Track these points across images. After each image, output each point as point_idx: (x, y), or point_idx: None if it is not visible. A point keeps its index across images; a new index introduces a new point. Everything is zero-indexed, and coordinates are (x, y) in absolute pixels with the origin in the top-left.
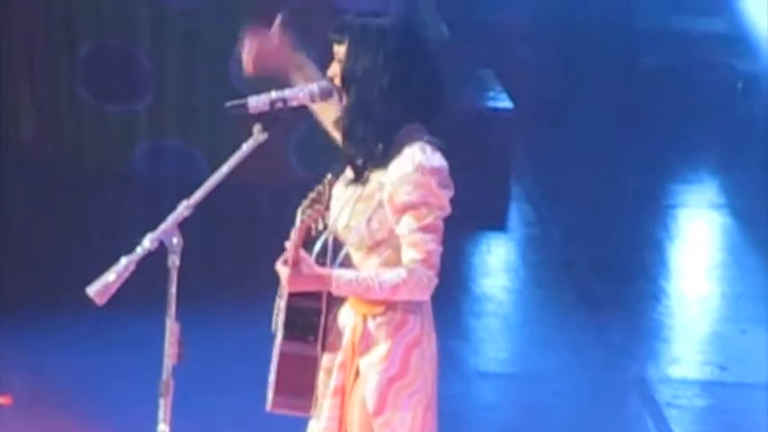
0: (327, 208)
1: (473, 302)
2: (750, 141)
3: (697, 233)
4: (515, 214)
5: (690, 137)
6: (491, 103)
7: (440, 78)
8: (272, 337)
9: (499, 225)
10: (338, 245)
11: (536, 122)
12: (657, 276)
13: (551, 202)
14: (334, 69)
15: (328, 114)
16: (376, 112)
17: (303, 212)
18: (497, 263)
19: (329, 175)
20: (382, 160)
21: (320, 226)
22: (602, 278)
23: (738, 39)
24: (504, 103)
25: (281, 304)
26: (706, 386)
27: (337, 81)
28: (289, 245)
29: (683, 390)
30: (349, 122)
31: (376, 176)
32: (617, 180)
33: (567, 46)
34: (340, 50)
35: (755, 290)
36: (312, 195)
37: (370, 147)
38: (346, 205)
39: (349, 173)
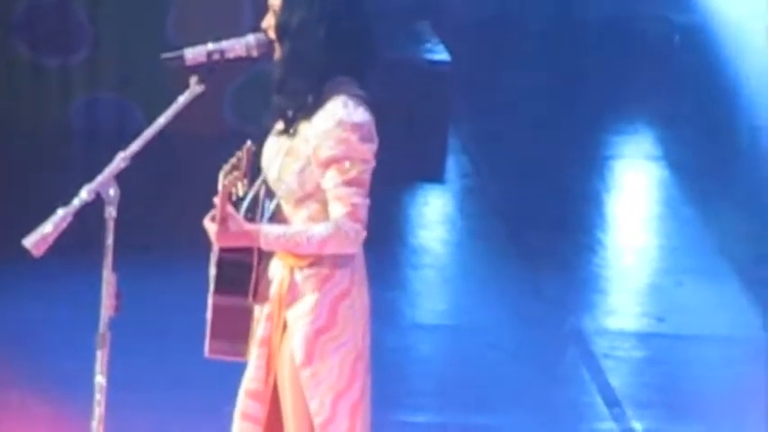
0: (246, 174)
1: (410, 254)
2: (687, 94)
3: (634, 185)
4: (453, 166)
5: (627, 89)
6: (428, 56)
7: (372, 32)
8: (206, 286)
9: (436, 177)
10: (269, 196)
11: (473, 75)
12: (594, 228)
13: (488, 154)
14: (269, 20)
15: None
16: (309, 64)
17: (225, 177)
18: (435, 214)
19: (248, 142)
20: (310, 112)
21: (240, 192)
22: (539, 230)
23: None
24: (442, 55)
25: (215, 257)
26: (643, 338)
27: (271, 33)
28: (216, 201)
29: (620, 341)
30: (282, 74)
31: (303, 129)
32: (554, 132)
33: None
34: (275, 2)
35: (692, 242)
36: (232, 161)
37: (300, 98)
38: (276, 157)
39: (280, 124)
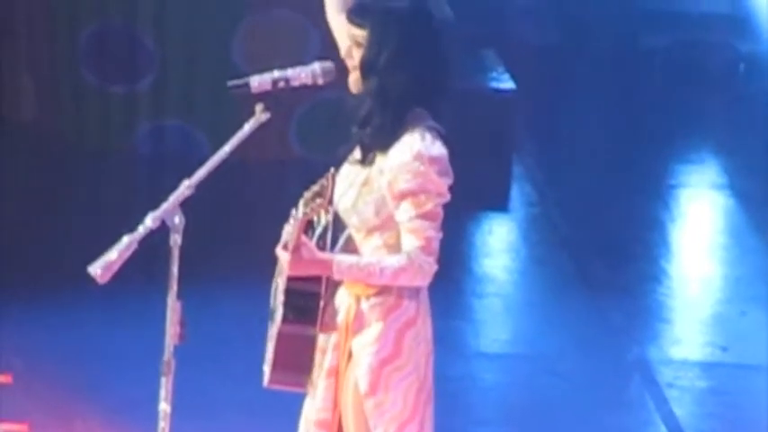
0: (330, 202)
1: (475, 283)
2: (752, 122)
3: (698, 214)
4: (517, 194)
5: (692, 117)
6: (493, 84)
7: (449, 64)
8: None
9: (501, 205)
10: (339, 226)
11: (538, 103)
12: (659, 257)
13: (553, 183)
14: (349, 51)
15: None
16: (394, 98)
17: (305, 205)
18: (499, 243)
19: (332, 169)
20: (388, 144)
21: (322, 220)
22: (604, 258)
23: (740, 19)
24: (507, 83)
25: (279, 285)
26: (707, 367)
27: (350, 63)
28: (287, 228)
29: (684, 371)
30: (368, 110)
31: (380, 160)
32: (619, 160)
33: (569, 26)
34: (358, 34)
35: (756, 271)
36: (315, 188)
37: (385, 133)
38: (351, 187)
39: (356, 154)
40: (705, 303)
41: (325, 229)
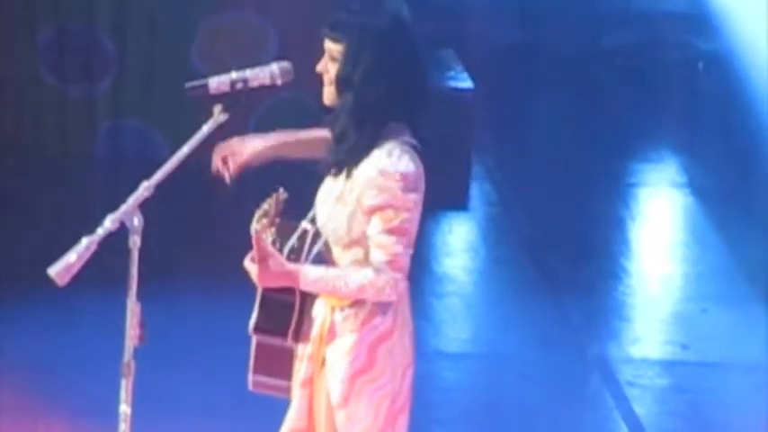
0: (273, 223)
1: (434, 282)
2: (711, 120)
3: (658, 212)
4: (477, 194)
5: (651, 116)
6: (452, 83)
7: (427, 79)
8: (237, 315)
9: (461, 204)
10: (317, 238)
11: (497, 102)
12: (619, 255)
13: (513, 182)
14: (325, 65)
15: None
16: (370, 114)
17: (257, 221)
18: (459, 242)
19: (280, 190)
20: (361, 158)
21: (269, 239)
22: (564, 257)
23: (699, 18)
24: (465, 82)
25: (259, 294)
26: (667, 365)
27: (327, 78)
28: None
29: (644, 369)
30: (343, 125)
31: (351, 175)
32: (578, 159)
33: (528, 26)
34: (333, 48)
35: (716, 269)
36: (264, 207)
37: (359, 147)
38: (325, 203)
39: (333, 169)
40: (665, 301)
41: (301, 242)
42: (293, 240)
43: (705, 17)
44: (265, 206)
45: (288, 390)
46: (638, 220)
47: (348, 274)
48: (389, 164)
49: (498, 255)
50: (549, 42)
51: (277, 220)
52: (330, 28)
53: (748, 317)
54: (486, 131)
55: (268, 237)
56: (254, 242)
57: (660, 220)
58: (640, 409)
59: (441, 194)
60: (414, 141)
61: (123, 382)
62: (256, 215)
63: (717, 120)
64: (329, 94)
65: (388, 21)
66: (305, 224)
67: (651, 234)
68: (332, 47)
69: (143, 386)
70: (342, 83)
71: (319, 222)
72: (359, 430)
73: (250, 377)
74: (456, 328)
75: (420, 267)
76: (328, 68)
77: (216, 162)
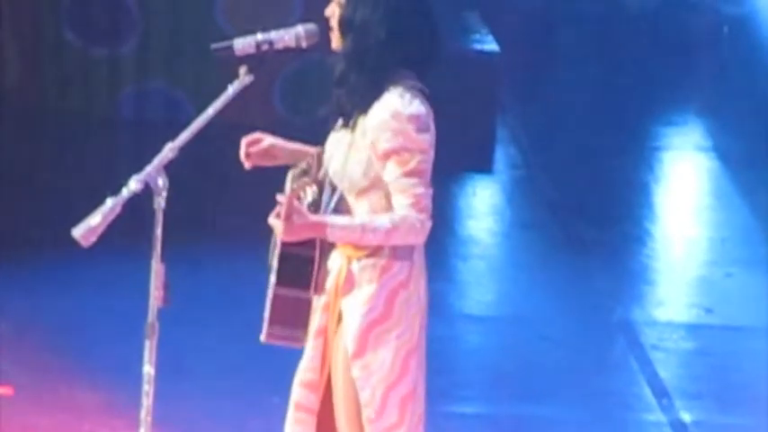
0: (315, 181)
1: (459, 245)
2: (736, 84)
3: (683, 176)
4: (501, 157)
5: (676, 80)
6: (477, 46)
7: (436, 31)
8: (259, 276)
9: (485, 167)
10: (331, 190)
11: (522, 65)
12: (643, 219)
13: (537, 145)
14: (332, 9)
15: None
16: (371, 59)
17: (293, 180)
18: (483, 205)
19: (318, 148)
20: (368, 105)
21: (309, 197)
22: (588, 221)
23: None
24: (491, 45)
25: (277, 250)
26: (692, 329)
27: (333, 22)
28: (281, 199)
29: (668, 332)
30: (344, 69)
31: (361, 121)
32: (603, 123)
33: None
34: None
35: (741, 233)
36: (302, 166)
37: (361, 93)
38: (337, 151)
39: (341, 120)
40: (690, 265)
41: (318, 194)
42: (310, 195)
43: None
44: (304, 165)
45: (303, 339)
46: (663, 184)
47: (374, 221)
48: (401, 106)
49: (523, 218)
50: (575, 5)
51: (319, 177)
52: None
53: None
54: (511, 94)
55: (308, 195)
56: (285, 199)
57: (685, 184)
58: (664, 372)
59: (465, 157)
60: (421, 86)
61: (147, 343)
62: (291, 173)
63: (742, 84)
64: (335, 39)
65: None
66: (320, 178)
67: (676, 198)
68: None
69: (167, 347)
70: (344, 26)
71: (332, 172)
72: (375, 380)
73: (265, 328)
74: (480, 290)
75: (444, 230)
76: (335, 12)
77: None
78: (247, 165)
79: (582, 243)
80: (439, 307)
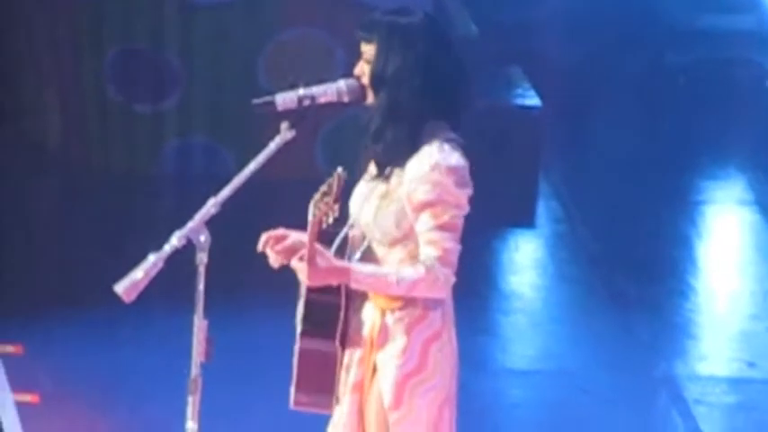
0: (337, 200)
1: (501, 299)
2: None
3: (725, 230)
4: (544, 211)
5: (717, 134)
6: (519, 101)
7: (466, 76)
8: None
9: (527, 222)
10: (358, 240)
11: (564, 120)
12: (685, 273)
13: (579, 200)
14: (362, 68)
15: None
16: (406, 112)
17: (315, 206)
18: (525, 260)
19: (339, 168)
20: (406, 157)
21: (330, 219)
22: (630, 275)
23: (766, 36)
24: (533, 100)
25: (303, 298)
26: (734, 383)
27: (364, 80)
28: (304, 241)
29: (711, 387)
30: (379, 123)
31: (397, 172)
32: (645, 177)
33: (595, 43)
34: (368, 50)
35: None
36: (323, 188)
37: (398, 147)
38: (367, 202)
39: (372, 169)
40: (732, 319)
41: (344, 243)
42: (337, 242)
43: None
44: (324, 188)
45: (330, 404)
46: (705, 238)
47: (399, 271)
48: (441, 158)
49: (565, 272)
50: (615, 59)
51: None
52: (361, 29)
53: None
54: (554, 149)
55: (330, 217)
56: (308, 233)
57: (727, 238)
58: (707, 426)
59: (508, 212)
60: (458, 138)
61: (190, 399)
62: (314, 198)
63: None
64: (369, 95)
65: (417, 18)
66: (346, 229)
67: (718, 252)
68: (365, 48)
69: (209, 403)
70: (375, 82)
71: (363, 223)
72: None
73: (293, 394)
74: (523, 345)
75: (487, 284)
76: (364, 71)
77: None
78: (275, 263)
79: (624, 297)
80: (481, 361)
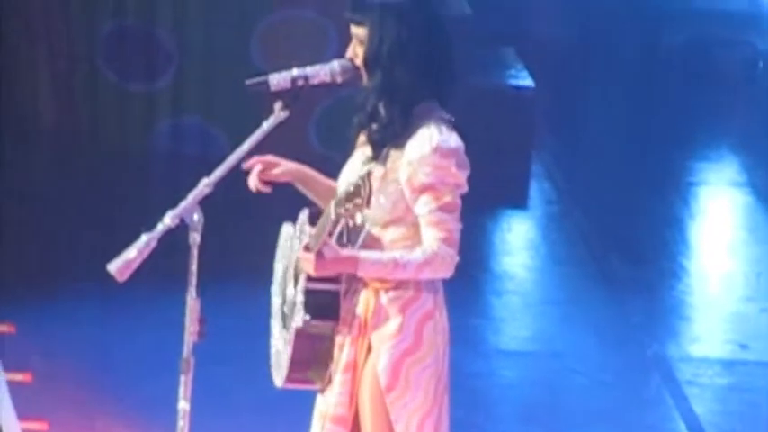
0: (368, 203)
1: (493, 281)
2: None
3: (718, 211)
4: (536, 192)
5: (710, 115)
6: (513, 81)
7: (452, 54)
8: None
9: (520, 203)
10: (355, 224)
11: (557, 101)
12: (678, 255)
13: (572, 181)
14: (354, 50)
15: (315, 189)
16: (400, 91)
17: (338, 205)
18: (518, 241)
19: (368, 169)
20: (401, 138)
21: (358, 220)
22: (623, 256)
23: (759, 17)
24: (526, 81)
25: (285, 288)
26: (727, 364)
27: (357, 62)
28: (306, 230)
29: (703, 368)
30: (374, 104)
31: (394, 154)
32: (637, 158)
33: (589, 24)
34: (359, 32)
35: None
36: (349, 189)
37: (394, 127)
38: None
39: (366, 151)
40: (725, 300)
41: (345, 228)
42: (338, 228)
43: (765, 16)
44: (351, 188)
45: (322, 382)
46: (698, 219)
47: (405, 255)
48: (442, 141)
49: (557, 253)
50: (609, 41)
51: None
52: (352, 11)
53: None
54: (546, 130)
55: (358, 218)
56: (327, 227)
57: (720, 219)
58: (699, 407)
59: (500, 193)
60: (451, 118)
61: (182, 379)
62: (337, 198)
63: None
64: (363, 76)
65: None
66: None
67: (710, 233)
68: (356, 31)
69: (202, 382)
70: (369, 63)
71: None
72: (410, 411)
73: (285, 372)
74: (515, 326)
75: (479, 266)
76: (357, 52)
77: (252, 165)
78: (253, 187)
79: (617, 278)
80: (474, 342)
